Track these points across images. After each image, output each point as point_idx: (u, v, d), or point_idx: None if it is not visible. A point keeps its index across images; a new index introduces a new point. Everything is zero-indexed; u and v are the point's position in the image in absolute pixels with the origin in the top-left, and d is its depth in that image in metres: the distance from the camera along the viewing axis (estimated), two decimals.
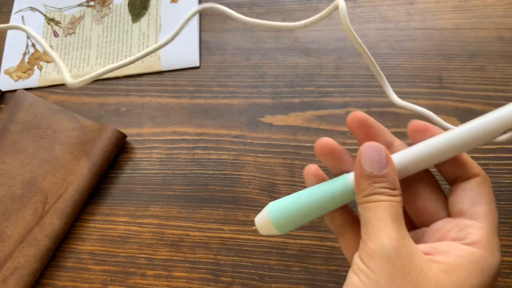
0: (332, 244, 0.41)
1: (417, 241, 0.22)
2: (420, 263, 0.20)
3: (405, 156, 0.23)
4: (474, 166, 0.23)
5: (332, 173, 0.26)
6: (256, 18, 0.53)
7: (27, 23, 0.58)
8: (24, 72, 0.55)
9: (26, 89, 0.54)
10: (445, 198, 0.24)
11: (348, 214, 0.26)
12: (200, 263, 0.43)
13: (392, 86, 0.46)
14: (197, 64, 0.51)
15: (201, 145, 0.47)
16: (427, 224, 0.24)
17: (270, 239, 0.42)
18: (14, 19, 0.58)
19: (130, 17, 0.56)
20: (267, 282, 0.41)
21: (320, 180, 0.25)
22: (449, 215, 0.23)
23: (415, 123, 0.24)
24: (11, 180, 0.48)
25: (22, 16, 0.58)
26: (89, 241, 0.45)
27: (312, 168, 0.26)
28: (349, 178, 0.24)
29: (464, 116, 0.44)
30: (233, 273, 0.42)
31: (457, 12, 0.48)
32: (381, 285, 0.20)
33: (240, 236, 0.43)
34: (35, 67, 0.55)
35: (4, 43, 0.57)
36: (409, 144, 0.24)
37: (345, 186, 0.24)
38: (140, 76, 0.52)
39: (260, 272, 0.41)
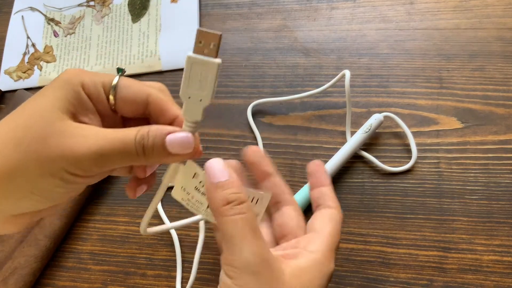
0: None
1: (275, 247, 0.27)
2: (278, 273, 0.24)
3: None
4: (332, 200, 0.29)
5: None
6: (256, 18, 0.53)
7: (27, 23, 0.58)
8: (24, 72, 0.55)
9: (26, 89, 0.53)
10: (305, 223, 0.29)
11: None
12: (200, 263, 0.43)
13: (392, 86, 0.46)
14: None
15: (201, 145, 0.47)
16: (289, 239, 0.28)
17: None
18: (14, 19, 0.58)
19: (130, 17, 0.56)
20: None
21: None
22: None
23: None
24: None
25: (22, 16, 0.58)
26: (89, 241, 0.45)
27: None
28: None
29: (464, 116, 0.44)
30: None
31: (457, 12, 0.48)
32: None
33: None
34: (35, 67, 0.55)
35: (4, 43, 0.57)
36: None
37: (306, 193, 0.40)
38: (140, 76, 0.52)
39: None
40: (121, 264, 0.44)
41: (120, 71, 0.26)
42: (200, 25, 0.53)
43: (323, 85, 0.46)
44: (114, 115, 0.26)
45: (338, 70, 0.47)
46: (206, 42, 0.23)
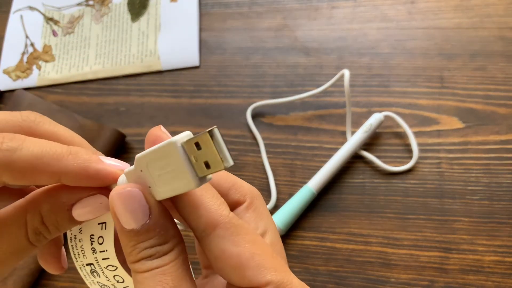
0: (332, 244, 0.41)
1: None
2: None
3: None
4: (242, 186, 0.18)
5: None
6: (256, 17, 0.52)
7: (26, 23, 0.58)
8: (23, 72, 0.55)
9: (25, 89, 0.53)
10: None
11: None
12: (200, 265, 0.42)
13: (393, 86, 0.46)
14: (197, 64, 0.51)
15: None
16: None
17: None
18: (13, 18, 0.58)
19: (129, 16, 0.55)
20: None
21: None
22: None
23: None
24: None
25: (21, 15, 0.58)
26: None
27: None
28: (309, 186, 0.41)
29: (465, 115, 0.43)
30: None
31: (458, 12, 0.48)
32: None
33: None
34: (34, 67, 0.55)
35: (2, 42, 0.57)
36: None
37: (310, 192, 0.41)
38: (140, 76, 0.52)
39: None
40: None
41: None
42: (200, 24, 0.53)
43: (324, 84, 0.46)
44: None
45: (338, 70, 0.47)
46: (203, 155, 0.15)
